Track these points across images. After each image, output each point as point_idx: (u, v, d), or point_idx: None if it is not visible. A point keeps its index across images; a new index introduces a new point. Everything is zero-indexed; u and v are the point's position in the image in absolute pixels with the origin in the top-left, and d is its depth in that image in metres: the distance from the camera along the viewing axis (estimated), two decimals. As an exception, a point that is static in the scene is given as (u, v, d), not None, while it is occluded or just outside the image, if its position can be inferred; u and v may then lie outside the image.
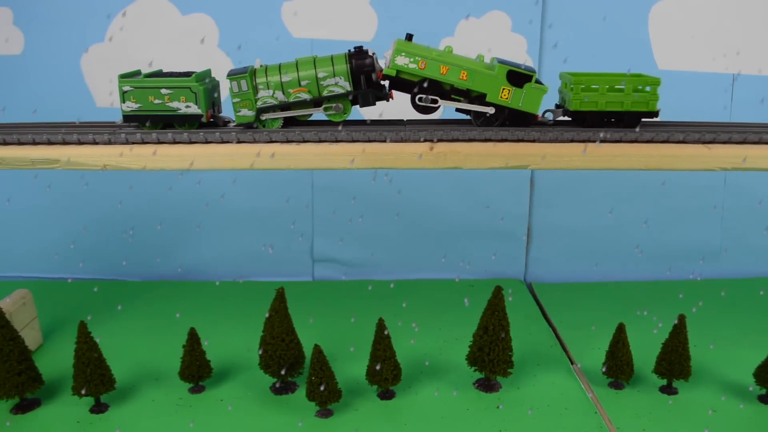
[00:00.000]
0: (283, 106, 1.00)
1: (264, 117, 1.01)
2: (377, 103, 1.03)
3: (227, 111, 1.07)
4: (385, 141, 0.97)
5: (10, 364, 1.05)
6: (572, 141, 0.97)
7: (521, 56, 1.42)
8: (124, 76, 1.00)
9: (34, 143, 1.01)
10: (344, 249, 1.57)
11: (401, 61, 0.98)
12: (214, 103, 1.05)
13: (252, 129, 1.01)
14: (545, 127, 1.00)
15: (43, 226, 1.54)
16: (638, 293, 1.51)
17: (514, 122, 1.01)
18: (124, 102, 1.00)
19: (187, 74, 1.01)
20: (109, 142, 1.00)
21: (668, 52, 1.43)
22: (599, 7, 1.40)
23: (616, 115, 1.01)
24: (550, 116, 1.05)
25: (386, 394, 1.12)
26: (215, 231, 1.55)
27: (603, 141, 0.98)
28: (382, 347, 1.08)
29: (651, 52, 1.43)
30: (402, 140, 0.97)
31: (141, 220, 1.54)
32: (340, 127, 1.00)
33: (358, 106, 1.03)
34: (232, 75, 0.99)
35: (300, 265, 1.58)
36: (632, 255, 1.54)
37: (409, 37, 1.00)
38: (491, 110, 0.99)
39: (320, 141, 0.97)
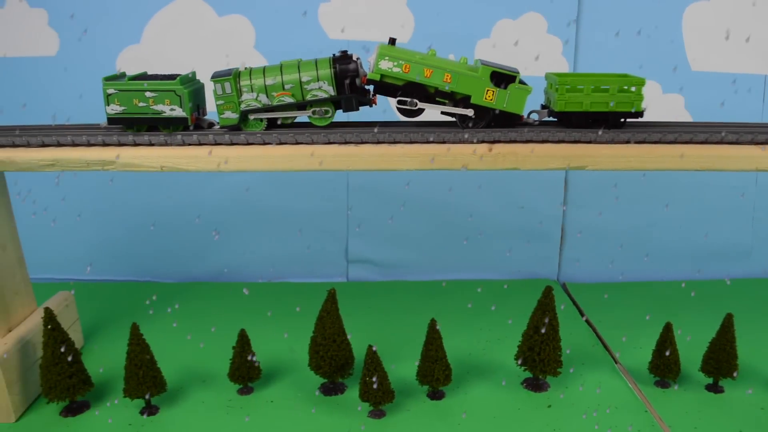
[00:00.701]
0: (267, 109, 1.00)
1: (250, 118, 1.01)
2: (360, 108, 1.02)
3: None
4: (444, 143, 0.97)
5: (62, 367, 1.05)
6: (628, 143, 0.98)
7: (557, 57, 1.43)
8: (108, 79, 1.00)
9: (89, 144, 1.01)
10: (379, 250, 1.57)
11: (385, 65, 0.98)
12: (199, 106, 1.04)
13: (308, 128, 1.02)
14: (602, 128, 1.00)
15: (77, 228, 1.53)
16: (671, 293, 1.52)
17: (498, 123, 1.01)
18: (108, 105, 1.00)
19: (172, 77, 1.01)
20: (165, 144, 1.00)
21: (701, 53, 1.45)
22: (633, 8, 1.41)
23: (601, 116, 1.01)
24: (535, 117, 1.05)
25: (436, 394, 1.12)
26: (249, 232, 1.55)
27: (659, 143, 0.98)
28: (434, 347, 1.08)
29: (684, 52, 1.44)
30: (460, 142, 0.97)
31: (174, 221, 1.54)
32: (376, 129, 1.00)
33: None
34: (216, 77, 0.99)
35: (334, 266, 1.58)
36: (663, 255, 1.55)
37: (392, 41, 1.01)
38: (470, 112, 0.99)
39: (378, 143, 0.98)
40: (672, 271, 1.56)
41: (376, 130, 0.98)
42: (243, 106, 0.99)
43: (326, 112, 1.01)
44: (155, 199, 1.52)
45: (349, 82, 0.99)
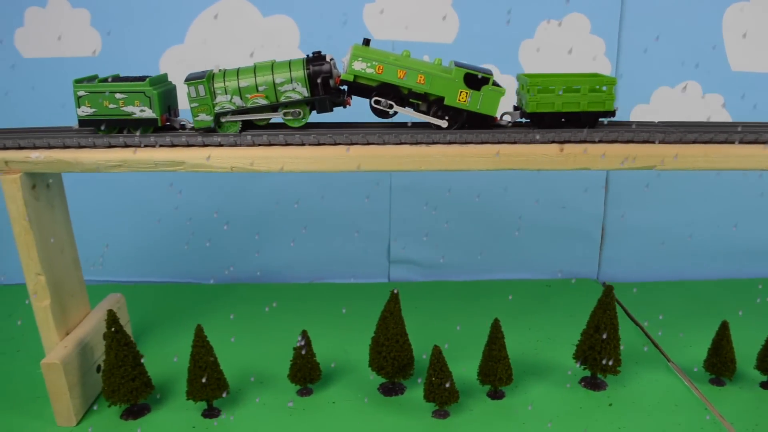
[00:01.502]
0: (241, 111, 1.00)
1: (223, 120, 1.00)
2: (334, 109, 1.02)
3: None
4: (515, 143, 0.98)
5: (125, 370, 1.04)
6: (695, 142, 0.99)
7: (600, 58, 1.43)
8: (78, 81, 1.00)
9: (156, 146, 1.00)
10: (420, 250, 1.57)
11: (358, 66, 0.98)
12: (170, 107, 1.04)
13: (378, 128, 1.02)
14: (669, 128, 1.01)
15: (116, 230, 1.52)
16: (711, 292, 1.53)
17: (472, 125, 1.01)
18: (79, 107, 1.00)
19: (142, 78, 1.00)
20: (235, 144, 0.99)
21: (741, 54, 1.46)
22: (675, 8, 1.42)
23: (573, 116, 1.01)
24: (508, 118, 1.05)
25: (497, 394, 1.12)
26: (291, 233, 1.55)
27: (725, 143, 0.99)
28: (497, 347, 1.08)
29: (724, 52, 1.46)
30: (531, 142, 0.97)
31: (215, 222, 1.53)
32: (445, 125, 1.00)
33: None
34: (190, 80, 0.99)
35: (376, 266, 1.58)
36: (703, 254, 1.57)
37: (367, 42, 1.01)
38: (444, 124, 1.00)
39: (450, 143, 0.98)
40: (712, 269, 1.57)
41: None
42: (217, 109, 0.99)
43: (300, 113, 1.01)
44: (196, 200, 1.51)
45: (322, 83, 0.99)
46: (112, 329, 1.03)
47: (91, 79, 1.03)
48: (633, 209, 1.53)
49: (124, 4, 1.40)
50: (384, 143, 0.98)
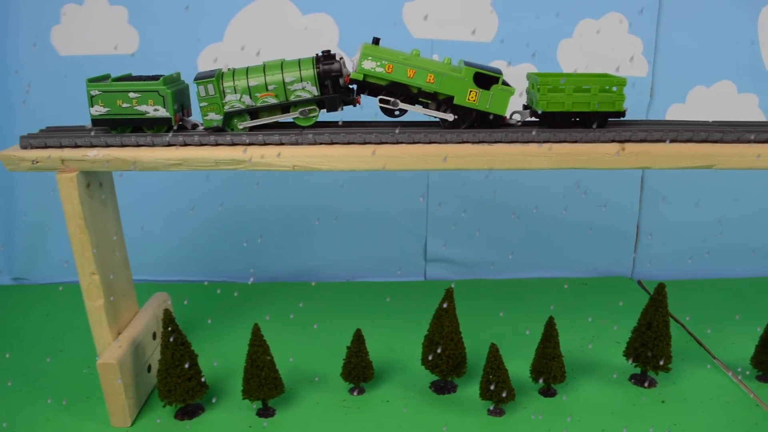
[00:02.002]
0: (251, 110, 1.00)
1: (233, 119, 1.00)
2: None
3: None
4: (576, 142, 0.98)
5: (181, 369, 1.03)
6: (753, 141, 1.00)
7: (637, 57, 1.44)
8: (92, 80, 1.00)
9: (216, 144, 0.99)
10: (457, 248, 1.58)
11: (368, 65, 0.98)
12: (183, 107, 1.04)
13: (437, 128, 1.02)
14: (728, 128, 1.02)
15: (152, 229, 1.51)
16: (747, 289, 1.54)
17: (481, 124, 1.01)
18: (92, 106, 0.99)
19: (156, 78, 1.00)
20: (296, 143, 0.99)
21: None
22: (711, 8, 1.43)
23: (583, 116, 1.01)
24: (517, 117, 1.05)
25: (549, 392, 1.13)
26: (327, 232, 1.55)
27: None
28: (551, 345, 1.09)
29: (759, 53, 1.47)
30: (592, 141, 0.98)
31: (253, 222, 1.53)
32: (517, 120, 1.00)
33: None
34: (199, 79, 0.98)
35: (412, 265, 1.58)
36: (737, 251, 1.58)
37: (376, 41, 1.00)
38: (450, 117, 0.99)
39: (511, 142, 0.98)
40: (745, 267, 1.58)
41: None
42: (227, 108, 0.99)
43: (310, 112, 1.01)
44: (232, 199, 1.50)
45: (332, 82, 0.99)
46: (169, 329, 1.02)
47: (105, 78, 1.02)
48: (667, 207, 1.54)
49: (162, 2, 1.39)
50: (446, 142, 0.98)
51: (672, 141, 0.99)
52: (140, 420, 1.07)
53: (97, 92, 0.99)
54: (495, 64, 1.41)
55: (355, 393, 1.13)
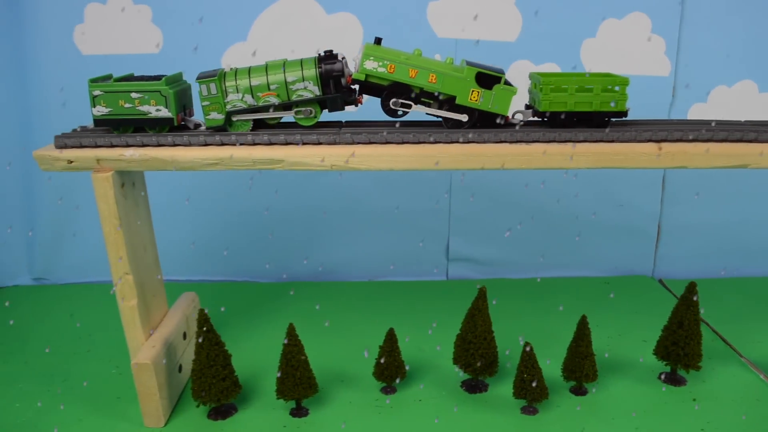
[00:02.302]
0: (253, 110, 1.00)
1: (234, 119, 1.00)
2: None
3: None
4: (613, 141, 0.98)
5: (216, 369, 1.03)
6: (787, 140, 1.00)
7: (659, 57, 1.45)
8: (94, 81, 0.99)
9: (254, 144, 0.99)
10: (479, 248, 1.58)
11: (370, 65, 0.98)
12: (185, 107, 1.04)
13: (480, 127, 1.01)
14: (761, 127, 1.02)
15: (174, 228, 1.50)
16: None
17: (484, 124, 1.01)
18: (94, 106, 0.99)
19: (158, 78, 1.00)
20: (334, 143, 0.99)
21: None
22: (734, 8, 1.44)
23: (585, 116, 1.01)
24: (520, 117, 1.05)
25: (580, 390, 1.13)
26: (349, 231, 1.55)
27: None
28: (584, 343, 1.09)
29: (784, 53, 1.48)
30: (629, 140, 0.98)
31: (274, 221, 1.53)
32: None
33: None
34: (202, 78, 0.99)
35: (435, 264, 1.58)
36: (757, 251, 1.58)
37: (378, 40, 1.00)
38: (464, 117, 1.00)
39: (548, 141, 0.98)
40: (766, 266, 1.59)
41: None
42: (228, 107, 0.99)
43: (311, 112, 1.01)
44: (255, 198, 1.50)
45: (334, 81, 0.99)
46: (204, 328, 1.02)
47: (107, 78, 1.02)
48: (689, 206, 1.55)
49: (186, 1, 1.39)
50: (497, 140, 0.98)
51: (707, 141, 0.99)
52: (173, 420, 1.06)
53: (99, 92, 0.99)
54: (519, 63, 1.43)
55: (387, 392, 1.13)
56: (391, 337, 1.10)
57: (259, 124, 1.03)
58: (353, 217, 1.53)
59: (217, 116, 1.00)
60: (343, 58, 1.01)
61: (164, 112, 0.99)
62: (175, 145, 0.99)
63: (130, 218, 1.03)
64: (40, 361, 1.24)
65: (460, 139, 0.98)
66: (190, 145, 0.99)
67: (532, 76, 1.07)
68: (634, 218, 1.55)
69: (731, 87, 1.48)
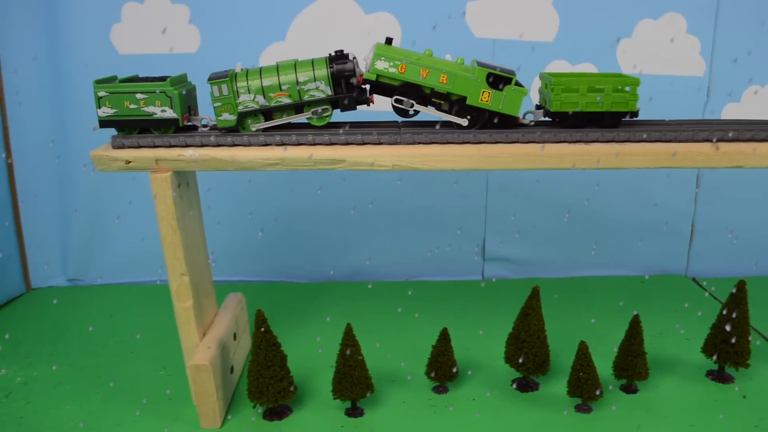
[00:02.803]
0: (264, 110, 1.00)
1: (248, 120, 1.00)
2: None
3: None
4: (670, 141, 0.99)
5: (274, 370, 1.03)
6: (840, 139, 1.01)
7: (694, 57, 1.46)
8: (99, 82, 1.00)
9: (314, 144, 0.99)
10: (514, 247, 1.58)
11: (381, 65, 0.98)
12: (190, 107, 1.04)
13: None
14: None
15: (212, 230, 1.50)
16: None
17: (494, 125, 1.02)
18: (99, 108, 0.99)
19: (163, 79, 1.00)
20: (395, 143, 0.99)
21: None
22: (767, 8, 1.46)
23: (597, 116, 1.02)
24: (531, 117, 1.06)
25: (631, 388, 1.14)
26: (385, 231, 1.55)
27: None
28: (637, 342, 1.10)
29: (817, 53, 1.49)
30: (686, 140, 0.99)
31: (311, 221, 1.53)
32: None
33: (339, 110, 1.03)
34: (213, 79, 0.99)
35: (470, 264, 1.59)
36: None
37: (389, 40, 1.01)
38: (465, 122, 1.00)
39: (608, 141, 0.99)
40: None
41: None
42: (240, 108, 0.99)
43: (324, 111, 1.01)
44: (290, 198, 1.50)
45: (345, 81, 0.99)
46: (262, 329, 1.02)
47: (112, 79, 1.02)
48: (722, 205, 1.56)
49: (224, 1, 1.38)
50: (559, 141, 0.98)
51: (762, 141, 1.00)
52: (228, 421, 1.06)
53: (104, 93, 0.99)
54: (555, 63, 1.44)
55: (439, 392, 1.13)
56: (444, 337, 1.11)
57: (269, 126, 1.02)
58: (389, 216, 1.54)
59: (229, 117, 1.00)
60: (354, 57, 1.01)
61: (169, 113, 0.99)
62: (234, 145, 0.99)
63: (185, 219, 1.03)
64: (86, 362, 1.23)
65: (520, 140, 0.99)
66: (249, 145, 0.99)
67: (542, 76, 1.07)
68: (668, 217, 1.56)
69: (765, 87, 1.49)
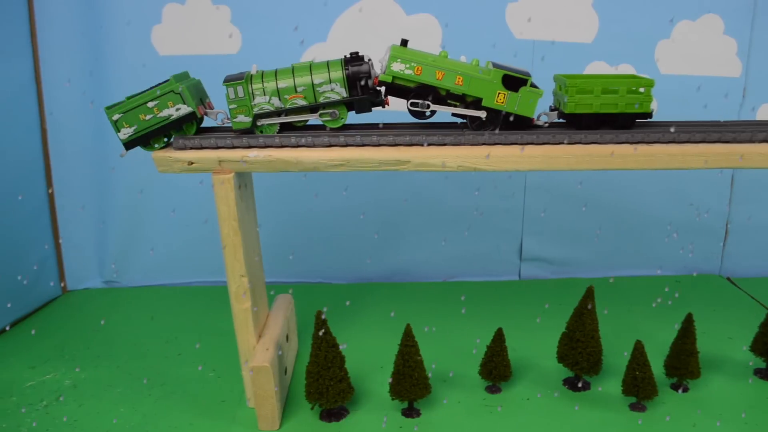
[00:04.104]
0: (280, 112, 1.01)
1: (260, 123, 1.01)
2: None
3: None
4: (730, 142, 1.00)
5: (334, 371, 1.03)
6: None
7: (731, 58, 1.47)
8: (109, 108, 1.00)
9: (378, 145, 0.99)
10: (552, 247, 1.59)
11: (397, 67, 0.98)
12: (202, 99, 1.05)
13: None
14: None
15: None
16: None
17: (509, 126, 1.02)
18: (119, 131, 1.00)
19: (164, 81, 1.01)
20: (458, 143, 0.99)
21: None
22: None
23: (611, 117, 1.03)
24: (545, 119, 1.07)
25: (681, 387, 1.15)
26: (422, 231, 1.55)
27: None
28: (690, 341, 1.11)
29: None
30: (746, 141, 1.00)
31: (346, 221, 1.53)
32: (672, 129, 1.01)
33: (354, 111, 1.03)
34: (229, 81, 0.99)
35: (507, 264, 1.59)
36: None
37: (404, 42, 1.01)
38: (483, 114, 1.00)
39: (669, 142, 0.99)
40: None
41: (672, 129, 1.00)
42: (256, 110, 1.00)
43: (338, 114, 1.02)
44: (328, 199, 1.50)
45: (361, 83, 1.00)
46: (322, 331, 1.02)
47: (118, 103, 1.01)
48: (756, 205, 1.57)
49: (266, 2, 1.38)
50: (608, 142, 0.99)
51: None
52: (285, 423, 1.06)
53: (118, 115, 0.99)
54: (594, 64, 1.45)
55: (492, 392, 1.14)
56: (499, 337, 1.11)
57: (285, 127, 1.03)
58: (427, 217, 1.54)
59: (245, 119, 1.00)
60: (369, 59, 1.01)
61: (184, 109, 0.99)
62: (298, 146, 0.99)
63: (244, 220, 1.02)
64: (133, 365, 1.23)
65: (582, 141, 1.00)
66: (313, 146, 0.99)
67: (556, 78, 1.08)
68: (703, 217, 1.58)
69: (799, 87, 1.51)
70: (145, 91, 1.01)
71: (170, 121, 1.00)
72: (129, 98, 1.00)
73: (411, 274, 1.57)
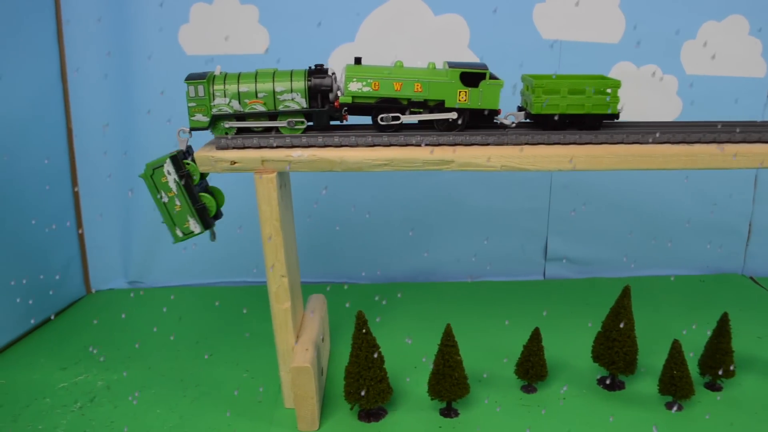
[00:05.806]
0: (238, 116, 1.01)
1: (225, 124, 1.01)
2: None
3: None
4: (757, 142, 1.00)
5: (374, 371, 1.03)
6: None
7: (755, 59, 1.48)
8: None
9: (417, 145, 0.99)
10: (576, 247, 1.59)
11: (354, 86, 0.99)
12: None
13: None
14: None
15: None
16: None
17: (477, 121, 1.02)
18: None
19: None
20: (501, 143, 0.99)
21: None
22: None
23: (578, 118, 1.03)
24: (512, 119, 1.07)
25: (714, 386, 1.15)
26: (448, 231, 1.55)
27: None
28: (725, 340, 1.11)
29: None
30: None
31: (372, 222, 1.52)
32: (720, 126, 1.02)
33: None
34: (190, 79, 1.00)
35: (532, 264, 1.60)
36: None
37: (358, 60, 1.02)
38: (453, 115, 1.01)
39: (710, 142, 1.00)
40: None
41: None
42: (214, 111, 1.00)
43: (297, 123, 1.02)
44: (351, 198, 1.50)
45: (321, 96, 1.00)
46: (363, 331, 1.02)
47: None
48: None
49: (294, 1, 1.38)
50: (648, 143, 0.99)
51: None
52: (324, 423, 1.06)
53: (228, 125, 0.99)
54: (620, 65, 1.45)
55: (528, 392, 1.14)
56: (536, 337, 1.11)
57: (241, 131, 1.02)
58: (452, 217, 1.54)
59: (202, 118, 1.00)
60: (333, 73, 1.02)
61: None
62: (341, 145, 0.99)
63: (284, 220, 1.02)
64: (165, 366, 1.22)
65: (624, 140, 1.00)
66: (357, 145, 0.99)
67: (524, 78, 1.08)
68: (726, 216, 1.58)
69: (821, 88, 1.52)
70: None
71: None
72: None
73: (436, 275, 1.58)
